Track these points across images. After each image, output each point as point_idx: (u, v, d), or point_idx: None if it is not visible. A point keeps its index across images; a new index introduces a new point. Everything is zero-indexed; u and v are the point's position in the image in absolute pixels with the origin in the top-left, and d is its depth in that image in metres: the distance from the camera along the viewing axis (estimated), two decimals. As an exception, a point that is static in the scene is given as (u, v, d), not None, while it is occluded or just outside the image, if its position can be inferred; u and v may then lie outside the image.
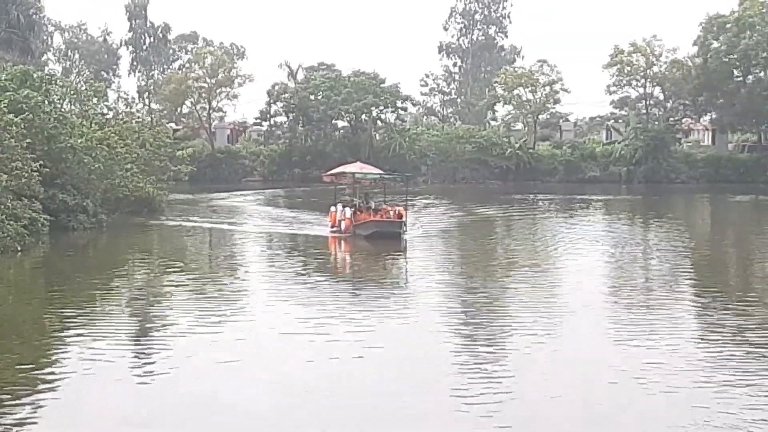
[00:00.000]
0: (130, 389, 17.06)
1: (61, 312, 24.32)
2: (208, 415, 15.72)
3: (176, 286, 29.86)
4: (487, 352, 19.95)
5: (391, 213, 43.28)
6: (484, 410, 15.75)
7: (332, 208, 45.56)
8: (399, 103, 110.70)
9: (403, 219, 42.47)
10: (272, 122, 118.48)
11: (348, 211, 43.94)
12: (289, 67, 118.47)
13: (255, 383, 17.71)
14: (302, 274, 32.41)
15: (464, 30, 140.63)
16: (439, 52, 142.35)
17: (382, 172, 51.87)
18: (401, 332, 22.16)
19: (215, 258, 39.48)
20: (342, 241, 42.33)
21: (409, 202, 48.66)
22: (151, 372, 18.15)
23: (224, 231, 48.39)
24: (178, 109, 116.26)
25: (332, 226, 44.95)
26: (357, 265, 37.33)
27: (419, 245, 41.39)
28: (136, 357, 19.62)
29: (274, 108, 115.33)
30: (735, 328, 22.58)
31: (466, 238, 47.08)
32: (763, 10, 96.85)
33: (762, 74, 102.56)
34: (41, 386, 17.16)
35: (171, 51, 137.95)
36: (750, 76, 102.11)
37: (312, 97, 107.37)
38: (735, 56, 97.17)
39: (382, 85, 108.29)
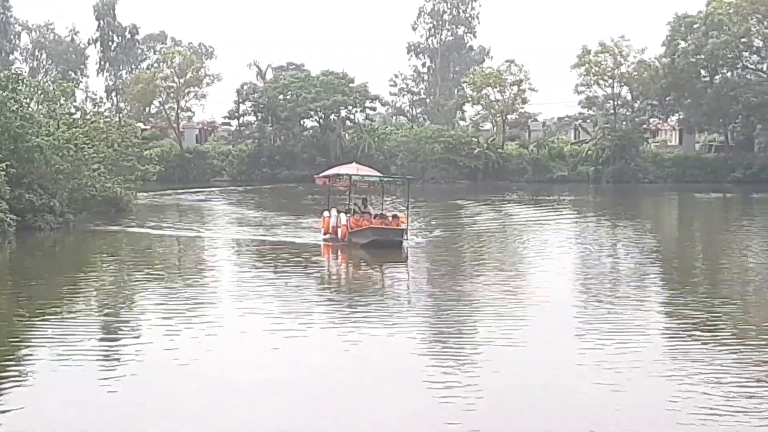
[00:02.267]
0: (96, 393, 16.98)
1: (27, 313, 24.20)
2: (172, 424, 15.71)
3: (143, 287, 29.74)
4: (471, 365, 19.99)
5: (391, 219, 39.92)
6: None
7: (325, 213, 41.99)
8: (368, 103, 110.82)
9: (404, 226, 39.19)
10: (241, 122, 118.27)
11: (344, 217, 40.23)
12: (257, 66, 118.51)
13: (225, 390, 17.68)
14: (290, 284, 30.65)
15: (433, 30, 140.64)
16: (408, 53, 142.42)
17: (379, 173, 48.78)
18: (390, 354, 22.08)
19: (184, 260, 39.22)
20: (338, 250, 39.32)
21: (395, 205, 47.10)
22: (116, 376, 18.09)
23: (193, 235, 47.63)
24: (147, 109, 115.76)
25: (325, 233, 41.59)
26: (355, 276, 34.65)
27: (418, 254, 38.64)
28: (102, 360, 19.53)
29: (242, 108, 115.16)
30: (701, 322, 22.80)
31: (452, 244, 44.08)
32: (731, 10, 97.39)
33: (729, 74, 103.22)
34: (5, 388, 17.07)
35: (139, 51, 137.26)
36: (717, 76, 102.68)
37: (281, 96, 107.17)
38: (702, 56, 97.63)
39: (351, 85, 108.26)
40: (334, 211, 41.51)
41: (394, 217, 40.09)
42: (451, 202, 71.82)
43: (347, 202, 43.53)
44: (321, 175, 47.26)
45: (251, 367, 19.08)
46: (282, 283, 29.79)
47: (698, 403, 16.21)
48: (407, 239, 39.10)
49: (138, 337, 21.78)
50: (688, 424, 15.31)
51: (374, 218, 40.04)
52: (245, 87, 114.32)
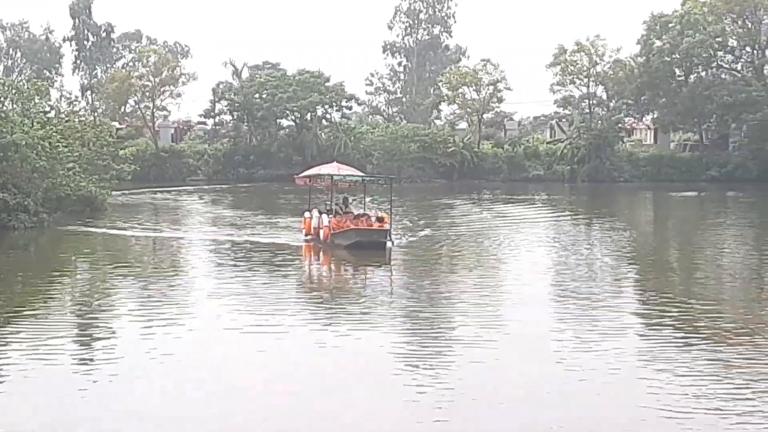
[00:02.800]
0: (70, 393, 16.92)
1: (1, 312, 24.07)
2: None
3: (118, 287, 29.64)
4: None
5: (374, 219, 39.06)
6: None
7: (306, 214, 41.26)
8: (344, 102, 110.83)
9: (388, 226, 38.35)
10: (216, 121, 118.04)
11: (326, 218, 39.30)
12: (233, 65, 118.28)
13: (200, 393, 17.63)
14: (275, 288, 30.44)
15: (409, 29, 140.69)
16: (384, 52, 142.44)
17: (361, 173, 47.89)
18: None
19: (159, 260, 38.98)
20: (320, 251, 38.71)
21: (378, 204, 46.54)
22: (92, 376, 18.05)
23: (168, 235, 47.42)
24: (122, 108, 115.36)
25: (307, 234, 40.89)
26: (337, 277, 34.36)
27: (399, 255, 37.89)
28: (77, 360, 19.46)
29: (218, 107, 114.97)
30: (675, 319, 22.90)
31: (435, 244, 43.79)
32: (706, 10, 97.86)
33: (704, 74, 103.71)
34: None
35: (114, 49, 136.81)
36: (692, 76, 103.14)
37: (257, 95, 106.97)
38: (677, 56, 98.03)
39: (327, 84, 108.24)
40: (315, 212, 40.71)
41: (378, 219, 39.08)
42: (428, 201, 71.90)
43: (329, 203, 42.85)
44: (301, 175, 46.60)
45: (228, 368, 19.03)
46: (262, 285, 29.69)
47: (672, 400, 16.27)
48: (391, 240, 38.42)
49: (112, 337, 21.69)
50: (663, 419, 15.37)
51: (357, 218, 39.48)
52: (221, 86, 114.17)
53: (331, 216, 39.68)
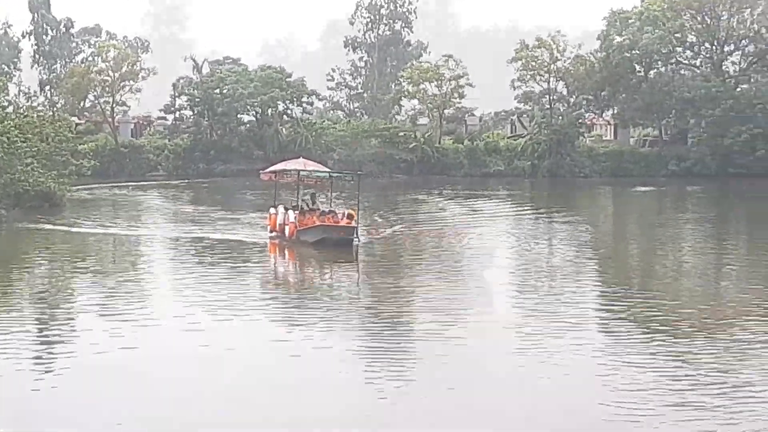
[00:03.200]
0: (26, 390, 16.83)
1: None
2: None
3: (77, 283, 29.47)
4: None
5: (340, 216, 38.88)
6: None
7: (272, 210, 40.70)
8: (305, 98, 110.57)
9: (355, 223, 38.11)
10: (177, 116, 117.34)
11: (292, 214, 38.82)
12: (194, 60, 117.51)
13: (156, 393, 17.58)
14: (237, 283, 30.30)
15: (370, 25, 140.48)
16: (345, 47, 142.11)
17: (327, 169, 47.19)
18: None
19: (118, 257, 38.80)
20: (285, 248, 38.41)
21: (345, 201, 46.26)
22: (47, 372, 17.96)
23: (128, 232, 46.97)
24: (81, 103, 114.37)
25: (272, 231, 40.32)
26: (302, 275, 34.20)
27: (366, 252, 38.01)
28: (33, 356, 19.36)
29: (178, 102, 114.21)
30: (634, 313, 23.06)
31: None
32: (665, 6, 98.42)
33: (663, 69, 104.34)
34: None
35: (74, 44, 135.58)
36: (651, 72, 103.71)
37: (217, 90, 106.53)
38: (637, 51, 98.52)
39: (288, 80, 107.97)
40: (281, 208, 40.23)
41: (346, 216, 38.77)
42: (391, 197, 71.94)
43: (294, 199, 42.22)
44: (267, 170, 46.00)
45: (185, 364, 18.98)
46: (223, 282, 29.62)
47: (628, 395, 16.39)
48: (357, 237, 38.19)
49: (69, 333, 21.57)
50: (621, 414, 15.48)
51: (324, 215, 39.08)
52: (181, 81, 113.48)
53: (297, 212, 39.19)
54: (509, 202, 68.33)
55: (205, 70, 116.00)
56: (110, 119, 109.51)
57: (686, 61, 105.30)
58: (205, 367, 18.61)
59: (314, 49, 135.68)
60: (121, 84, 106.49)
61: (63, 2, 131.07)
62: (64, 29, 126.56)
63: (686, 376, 17.71)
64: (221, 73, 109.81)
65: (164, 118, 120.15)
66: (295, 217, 38.55)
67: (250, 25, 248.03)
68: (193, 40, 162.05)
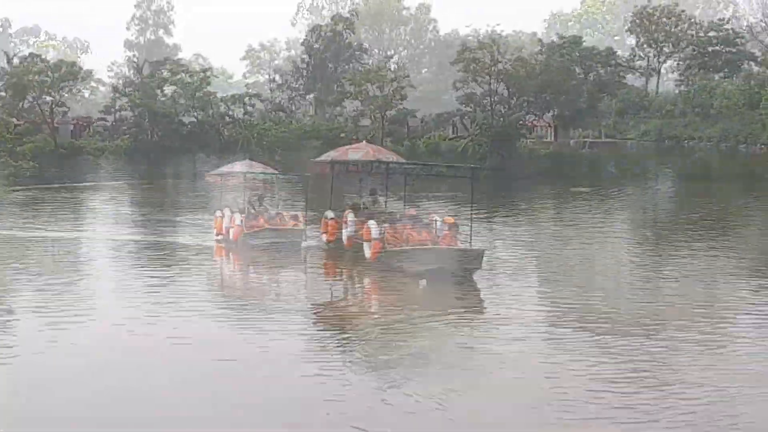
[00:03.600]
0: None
1: None
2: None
3: (15, 286, 29.24)
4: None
5: (289, 219, 38.84)
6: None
7: (218, 213, 39.84)
8: (246, 99, 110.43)
9: (302, 226, 38.29)
10: (117, 117, 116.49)
11: (238, 217, 38.11)
12: (134, 61, 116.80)
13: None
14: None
15: (312, 26, 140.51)
16: (288, 49, 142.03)
17: (276, 171, 47.13)
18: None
19: (59, 260, 38.30)
20: (230, 252, 37.81)
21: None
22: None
23: (68, 234, 46.37)
24: (20, 104, 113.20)
25: (218, 234, 39.50)
26: (246, 280, 34.03)
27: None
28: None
29: (119, 103, 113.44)
30: (574, 313, 23.34)
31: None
32: (604, 9, 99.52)
33: (603, 71, 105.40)
34: None
35: (12, 44, 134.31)
36: (591, 74, 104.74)
37: (158, 92, 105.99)
38: (577, 54, 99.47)
39: (230, 81, 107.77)
40: (227, 211, 39.50)
41: (294, 216, 38.86)
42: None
43: (241, 201, 41.63)
44: (213, 172, 45.61)
45: (122, 366, 18.93)
46: (163, 285, 29.48)
47: (569, 394, 16.58)
48: (306, 240, 38.03)
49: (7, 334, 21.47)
50: (563, 414, 15.67)
51: (272, 218, 38.82)
52: (121, 82, 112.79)
53: (243, 215, 38.69)
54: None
55: (146, 71, 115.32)
56: (49, 120, 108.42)
57: (625, 64, 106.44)
58: (152, 371, 18.59)
59: (298, 53, 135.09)
60: (61, 85, 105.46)
61: (1, 2, 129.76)
62: (1, 29, 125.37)
63: (636, 377, 17.88)
64: (162, 74, 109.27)
65: (104, 119, 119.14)
66: (242, 220, 38.00)
67: (234, 28, 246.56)
68: (177, 45, 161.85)
